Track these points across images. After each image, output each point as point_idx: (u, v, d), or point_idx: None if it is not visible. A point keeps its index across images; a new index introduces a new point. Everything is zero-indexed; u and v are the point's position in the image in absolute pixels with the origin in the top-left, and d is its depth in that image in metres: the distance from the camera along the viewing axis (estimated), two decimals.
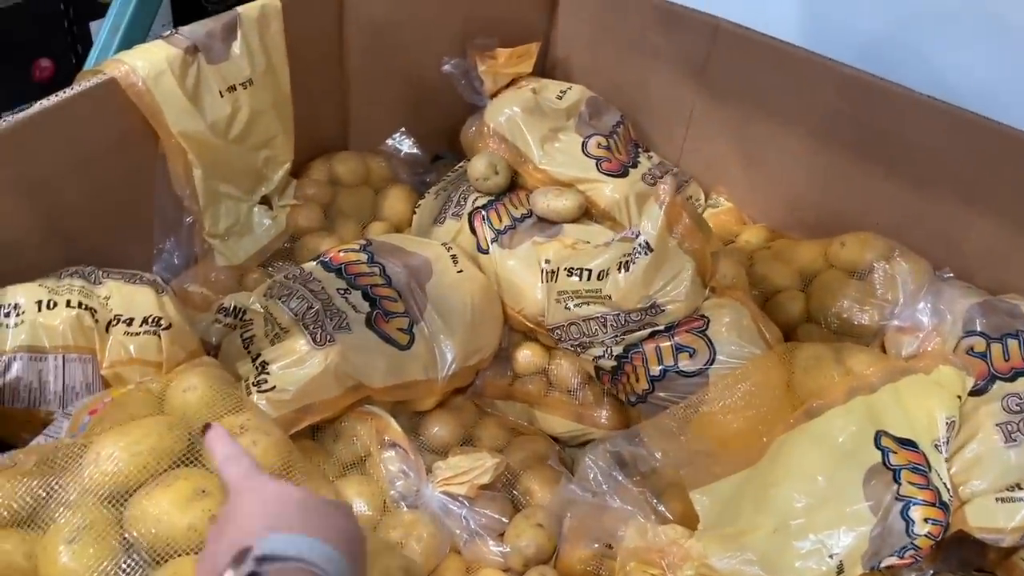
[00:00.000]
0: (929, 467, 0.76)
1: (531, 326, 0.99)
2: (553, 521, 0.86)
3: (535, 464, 0.93)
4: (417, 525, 0.82)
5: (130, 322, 0.74)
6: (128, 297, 0.77)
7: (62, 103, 0.82)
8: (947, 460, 0.79)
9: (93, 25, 1.47)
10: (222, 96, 0.94)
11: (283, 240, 1.07)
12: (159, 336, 0.74)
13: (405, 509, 0.83)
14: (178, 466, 0.58)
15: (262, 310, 0.89)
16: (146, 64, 0.87)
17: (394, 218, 1.16)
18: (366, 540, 0.47)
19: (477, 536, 0.85)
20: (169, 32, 0.92)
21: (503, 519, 0.87)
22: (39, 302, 0.73)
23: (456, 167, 1.17)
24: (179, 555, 0.54)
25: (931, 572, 0.87)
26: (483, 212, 1.04)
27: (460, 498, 0.85)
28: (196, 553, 0.54)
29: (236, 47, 0.95)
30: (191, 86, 0.91)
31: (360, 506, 0.81)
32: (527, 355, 1.02)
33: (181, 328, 0.77)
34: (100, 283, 0.78)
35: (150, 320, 0.75)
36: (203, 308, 0.95)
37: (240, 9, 0.96)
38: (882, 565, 0.72)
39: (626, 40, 1.18)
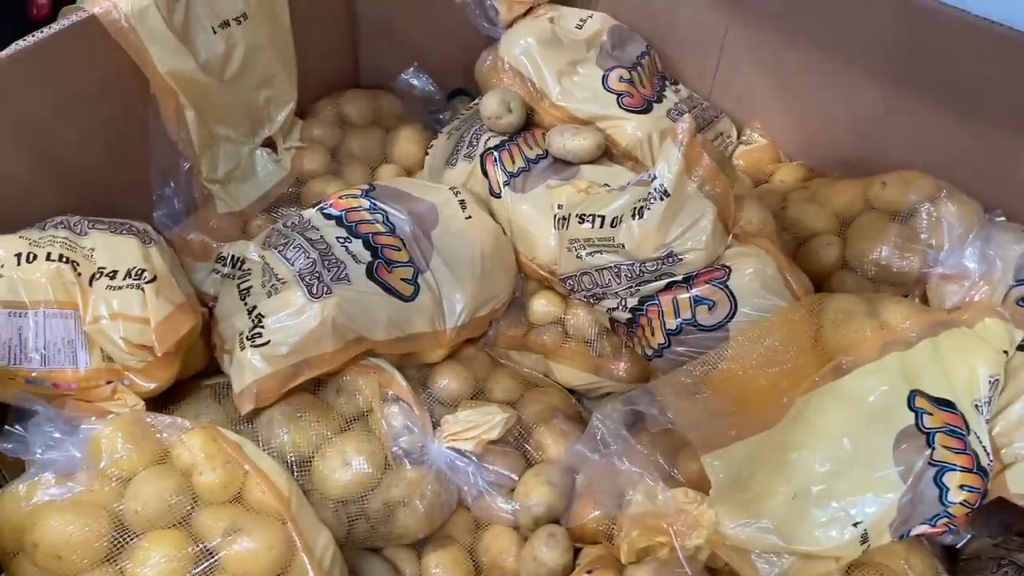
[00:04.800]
0: (968, 430, 0.69)
1: (545, 275, 0.94)
2: (564, 478, 0.82)
3: (549, 418, 0.89)
4: (420, 484, 0.79)
5: (113, 275, 0.71)
6: (113, 248, 0.73)
7: (41, 42, 0.78)
8: (989, 421, 0.73)
9: None
10: (215, 32, 0.89)
11: (288, 185, 1.02)
12: (142, 290, 0.71)
13: (409, 467, 0.80)
14: None
15: (260, 259, 0.85)
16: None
17: (405, 160, 1.10)
18: None
19: (486, 493, 0.82)
20: None
21: (513, 476, 0.83)
22: (18, 255, 0.70)
23: (471, 105, 1.11)
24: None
25: (968, 536, 0.82)
26: (495, 153, 0.98)
27: (468, 453, 0.82)
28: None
29: None
30: (179, 23, 0.85)
31: (360, 464, 0.78)
32: (542, 304, 0.97)
33: (167, 280, 0.74)
34: (85, 234, 0.75)
35: (133, 272, 0.71)
36: (204, 257, 0.92)
37: None
38: (912, 534, 0.67)
39: None
